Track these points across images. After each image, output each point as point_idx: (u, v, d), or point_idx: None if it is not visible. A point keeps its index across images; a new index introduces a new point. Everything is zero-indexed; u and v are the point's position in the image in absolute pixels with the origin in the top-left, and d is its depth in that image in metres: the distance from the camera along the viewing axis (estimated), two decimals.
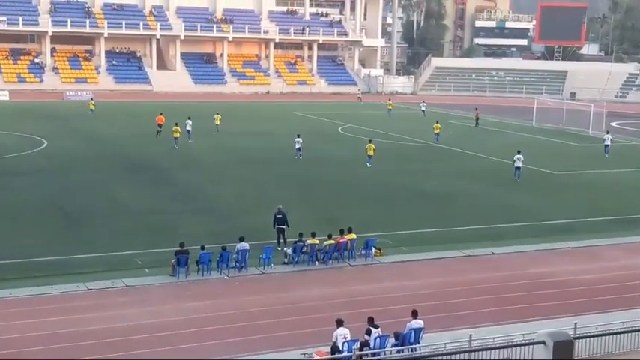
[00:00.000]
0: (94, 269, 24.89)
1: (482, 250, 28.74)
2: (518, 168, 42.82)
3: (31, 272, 24.36)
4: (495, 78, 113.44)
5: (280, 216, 28.42)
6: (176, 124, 52.07)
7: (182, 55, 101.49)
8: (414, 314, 19.24)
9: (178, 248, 24.77)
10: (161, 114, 56.91)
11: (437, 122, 58.31)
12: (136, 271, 24.93)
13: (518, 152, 43.42)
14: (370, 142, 47.23)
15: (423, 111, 78.53)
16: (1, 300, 21.91)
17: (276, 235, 28.07)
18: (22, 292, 22.56)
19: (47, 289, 22.85)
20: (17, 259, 25.72)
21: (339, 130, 64.14)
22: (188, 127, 54.26)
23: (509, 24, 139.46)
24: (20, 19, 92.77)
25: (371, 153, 46.17)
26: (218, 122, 60.16)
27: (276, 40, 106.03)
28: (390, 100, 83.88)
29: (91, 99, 75.94)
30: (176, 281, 24.20)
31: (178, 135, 51.09)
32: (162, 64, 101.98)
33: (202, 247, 25.20)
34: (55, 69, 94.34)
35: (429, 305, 22.18)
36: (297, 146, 48.55)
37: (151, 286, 23.73)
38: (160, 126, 55.42)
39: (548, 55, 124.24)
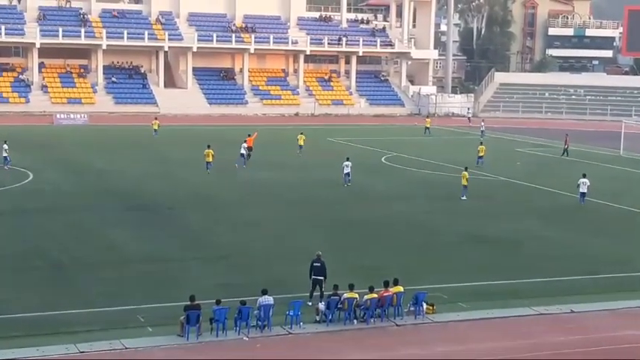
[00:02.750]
0: (87, 328, 24.98)
1: (559, 308, 28.40)
2: (583, 194, 46.88)
3: (9, 331, 24.50)
4: (573, 97, 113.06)
5: (318, 264, 28.45)
6: (209, 147, 55.35)
7: (194, 70, 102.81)
8: None
9: (188, 303, 24.82)
10: (249, 135, 61.86)
11: (481, 144, 63.46)
12: (138, 330, 24.99)
13: (584, 175, 47.46)
14: (466, 169, 49.41)
15: (482, 131, 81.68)
16: None
17: (311, 287, 28.03)
18: (2, 355, 22.68)
19: (31, 351, 22.94)
20: None
21: (383, 159, 64.27)
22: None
23: (589, 32, 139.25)
24: (2, 28, 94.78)
25: (465, 183, 48.18)
26: (302, 143, 65.60)
27: (307, 52, 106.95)
28: (428, 117, 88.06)
29: (155, 118, 79.26)
30: (185, 343, 24.21)
31: (211, 159, 54.77)
32: (170, 82, 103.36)
33: (217, 302, 25.22)
34: (43, 87, 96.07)
35: None
36: (345, 170, 51.73)
37: (155, 349, 23.76)
38: (249, 149, 60.00)
39: (638, 69, 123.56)
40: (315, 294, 27.92)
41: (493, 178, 54.69)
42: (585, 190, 46.82)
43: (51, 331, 24.74)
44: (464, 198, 47.74)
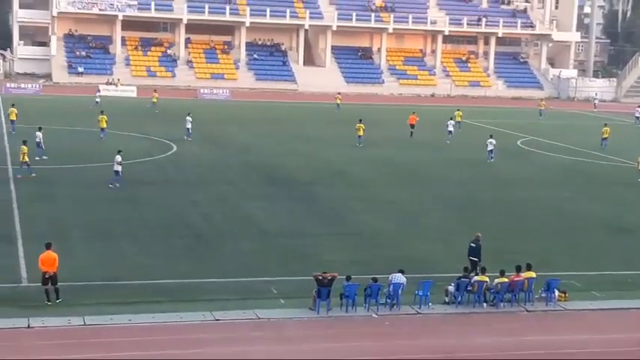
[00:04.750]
0: (224, 296, 25.78)
1: None
2: None
3: (153, 296, 25.56)
4: None
5: (474, 246, 28.50)
6: (360, 121, 58.27)
7: (333, 49, 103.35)
8: None
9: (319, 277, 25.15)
10: (413, 113, 64.59)
11: (605, 125, 63.54)
12: (271, 301, 25.56)
13: None
14: None
15: (637, 117, 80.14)
16: (120, 327, 23.10)
17: (470, 267, 27.68)
18: (142, 318, 23.67)
19: (171, 316, 23.85)
20: (139, 280, 27.07)
21: (519, 143, 63.13)
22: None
23: None
24: (152, 4, 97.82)
25: None
26: (459, 119, 68.19)
27: (446, 33, 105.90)
28: (542, 100, 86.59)
29: (155, 91, 77.83)
30: (316, 316, 24.61)
31: (362, 133, 57.63)
32: (309, 60, 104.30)
33: (348, 278, 25.47)
34: (189, 62, 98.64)
35: None
36: (489, 147, 52.84)
37: (287, 321, 24.26)
38: (412, 126, 62.78)
39: None
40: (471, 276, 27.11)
41: (632, 166, 52.81)
42: None
43: (191, 297, 25.63)
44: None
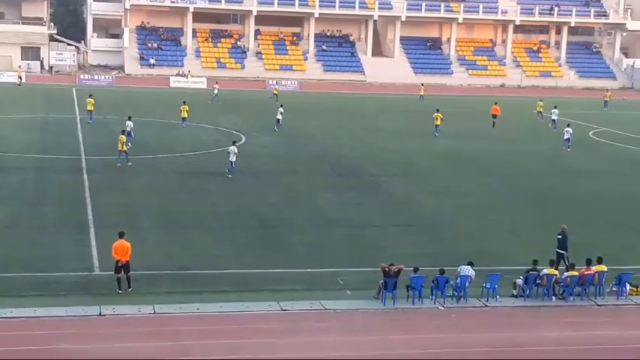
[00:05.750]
0: (290, 287, 25.93)
1: None
2: None
3: (220, 286, 25.83)
4: None
5: (560, 237, 28.34)
6: (437, 110, 59.11)
7: (402, 39, 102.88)
8: None
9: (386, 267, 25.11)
10: (496, 103, 65.08)
11: None
12: (337, 292, 25.62)
13: None
14: None
15: None
16: (188, 316, 23.40)
17: (556, 260, 27.30)
18: (210, 307, 23.96)
19: (237, 306, 24.09)
20: (207, 270, 27.37)
21: (590, 134, 62.04)
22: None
23: None
24: None
25: None
26: (540, 109, 69.23)
27: (517, 22, 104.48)
28: (608, 90, 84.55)
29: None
30: (382, 308, 24.59)
31: (439, 122, 58.34)
32: (377, 50, 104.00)
33: (415, 270, 25.38)
34: (258, 54, 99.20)
35: None
36: (565, 136, 54.11)
37: (353, 312, 24.29)
38: (494, 116, 63.46)
39: None
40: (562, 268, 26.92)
41: None
42: None
43: (257, 287, 25.84)
44: None
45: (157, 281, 25.87)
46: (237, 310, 23.91)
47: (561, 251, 28.00)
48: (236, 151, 42.20)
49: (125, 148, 42.97)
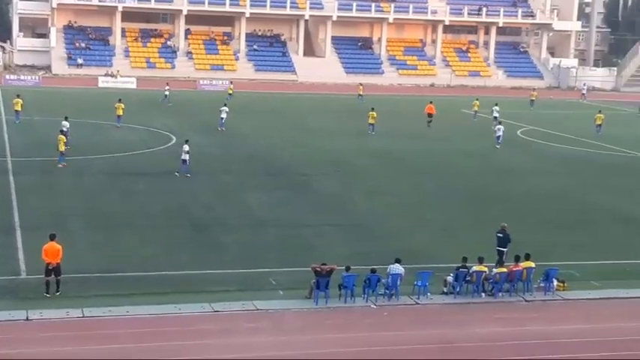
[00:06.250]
0: (222, 288, 25.80)
1: None
2: None
3: (151, 288, 25.58)
4: None
5: (501, 235, 28.69)
6: (372, 109, 60.05)
7: (333, 39, 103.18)
8: None
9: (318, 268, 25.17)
10: (431, 102, 65.53)
11: (600, 112, 64.80)
12: (269, 292, 25.60)
13: None
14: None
15: None
16: (118, 318, 23.13)
17: (498, 258, 27.93)
18: (141, 310, 23.72)
19: (169, 308, 23.89)
20: (137, 272, 27.08)
21: (518, 133, 63.06)
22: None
23: None
24: None
25: None
26: (477, 109, 70.37)
27: (446, 22, 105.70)
28: (534, 90, 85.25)
29: (230, 82, 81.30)
30: (314, 307, 24.64)
31: (373, 121, 58.99)
32: (309, 50, 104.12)
33: (347, 269, 25.49)
34: (188, 54, 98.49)
35: (625, 356, 21.41)
36: (497, 133, 55.15)
37: (285, 312, 24.29)
38: (430, 115, 63.84)
39: None
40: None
41: (634, 155, 52.82)
42: None
43: (189, 289, 25.68)
44: None
45: (86, 284, 25.49)
46: (168, 311, 23.70)
47: (502, 249, 28.39)
48: (187, 149, 42.07)
49: (63, 148, 42.61)
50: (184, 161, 42.00)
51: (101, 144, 50.11)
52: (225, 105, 59.98)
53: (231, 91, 77.57)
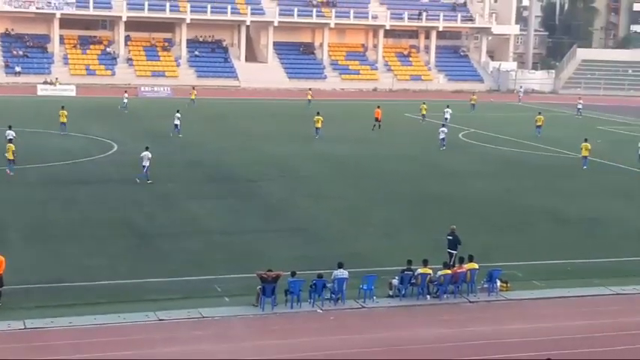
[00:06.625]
0: (167, 296, 25.59)
1: (636, 288, 27.94)
2: None
3: (95, 298, 25.26)
4: None
5: (450, 238, 28.92)
6: (318, 113, 59.97)
7: (275, 44, 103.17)
8: None
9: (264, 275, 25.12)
10: (378, 107, 65.86)
11: (539, 113, 66.00)
12: (215, 299, 25.46)
13: None
14: (586, 140, 51.23)
15: (579, 109, 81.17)
16: (60, 329, 22.78)
17: (448, 260, 28.15)
18: (84, 320, 23.39)
19: (113, 318, 23.62)
20: (80, 282, 26.72)
21: (460, 135, 63.72)
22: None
23: None
24: (91, 1, 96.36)
25: (586, 153, 50.46)
26: (424, 112, 70.96)
27: (387, 27, 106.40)
28: (474, 94, 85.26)
29: (193, 88, 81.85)
30: (260, 313, 24.57)
31: (320, 125, 59.20)
32: (251, 56, 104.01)
33: (293, 274, 25.49)
34: (128, 60, 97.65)
35: (568, 354, 21.71)
36: (441, 136, 56.08)
37: (232, 319, 24.18)
38: (377, 120, 64.13)
39: None
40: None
41: (573, 156, 53.70)
42: None
43: (133, 298, 25.42)
44: (583, 167, 50.10)
45: (27, 295, 25.08)
46: (112, 321, 23.43)
47: (452, 251, 28.64)
48: (149, 156, 41.91)
49: (13, 157, 42.57)
50: (144, 167, 41.89)
51: (41, 153, 49.39)
52: (178, 111, 59.61)
53: (193, 97, 77.71)
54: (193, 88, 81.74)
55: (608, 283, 28.16)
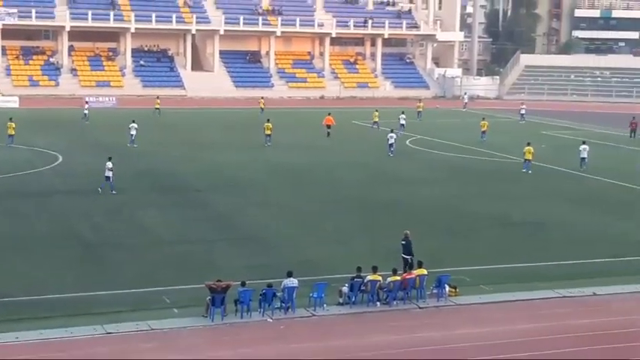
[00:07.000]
0: (115, 309, 25.31)
1: (582, 291, 28.35)
2: (583, 159, 52.04)
3: (41, 312, 24.90)
4: (599, 79, 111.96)
5: (404, 243, 28.98)
6: (268, 120, 60.08)
7: (221, 53, 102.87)
8: None
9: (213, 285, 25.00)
10: (329, 114, 66.44)
11: (483, 119, 67.15)
12: (164, 311, 25.25)
13: (584, 142, 53.04)
14: (529, 144, 51.69)
15: (522, 115, 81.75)
16: (7, 345, 22.41)
17: (403, 265, 28.29)
18: (30, 335, 23.02)
19: (60, 332, 23.29)
20: (25, 296, 26.30)
21: (407, 142, 64.12)
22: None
23: (616, 13, 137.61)
24: (33, 11, 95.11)
25: (529, 157, 50.88)
26: (376, 119, 70.93)
27: (333, 35, 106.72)
28: (420, 101, 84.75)
29: (157, 97, 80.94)
30: (210, 324, 24.44)
31: (269, 132, 59.37)
32: (197, 65, 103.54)
33: (242, 284, 25.41)
34: (73, 70, 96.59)
35: (517, 357, 21.91)
36: (390, 141, 56.34)
37: (181, 330, 23.99)
38: (328, 127, 64.79)
39: None
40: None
41: (517, 161, 54.36)
42: (585, 156, 52.27)
43: (80, 311, 25.07)
44: (529, 172, 50.70)
45: None
46: (59, 335, 23.10)
47: (407, 256, 28.75)
48: (110, 166, 41.85)
49: None
50: (108, 178, 41.87)
51: None
52: (133, 121, 59.16)
53: (157, 106, 77.22)
54: (157, 98, 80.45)
55: (554, 286, 28.56)
